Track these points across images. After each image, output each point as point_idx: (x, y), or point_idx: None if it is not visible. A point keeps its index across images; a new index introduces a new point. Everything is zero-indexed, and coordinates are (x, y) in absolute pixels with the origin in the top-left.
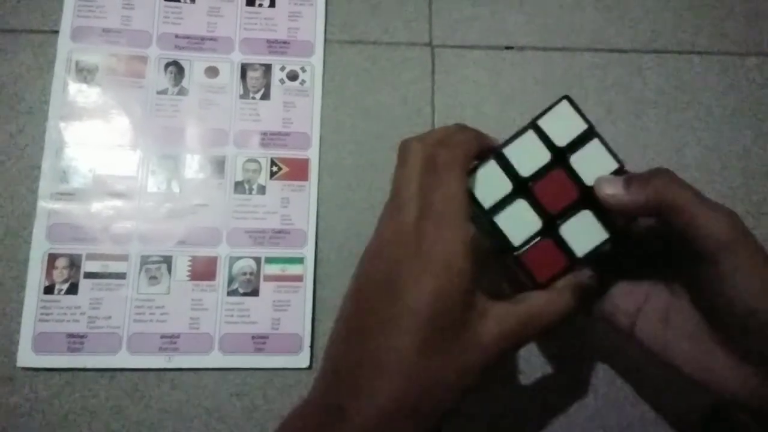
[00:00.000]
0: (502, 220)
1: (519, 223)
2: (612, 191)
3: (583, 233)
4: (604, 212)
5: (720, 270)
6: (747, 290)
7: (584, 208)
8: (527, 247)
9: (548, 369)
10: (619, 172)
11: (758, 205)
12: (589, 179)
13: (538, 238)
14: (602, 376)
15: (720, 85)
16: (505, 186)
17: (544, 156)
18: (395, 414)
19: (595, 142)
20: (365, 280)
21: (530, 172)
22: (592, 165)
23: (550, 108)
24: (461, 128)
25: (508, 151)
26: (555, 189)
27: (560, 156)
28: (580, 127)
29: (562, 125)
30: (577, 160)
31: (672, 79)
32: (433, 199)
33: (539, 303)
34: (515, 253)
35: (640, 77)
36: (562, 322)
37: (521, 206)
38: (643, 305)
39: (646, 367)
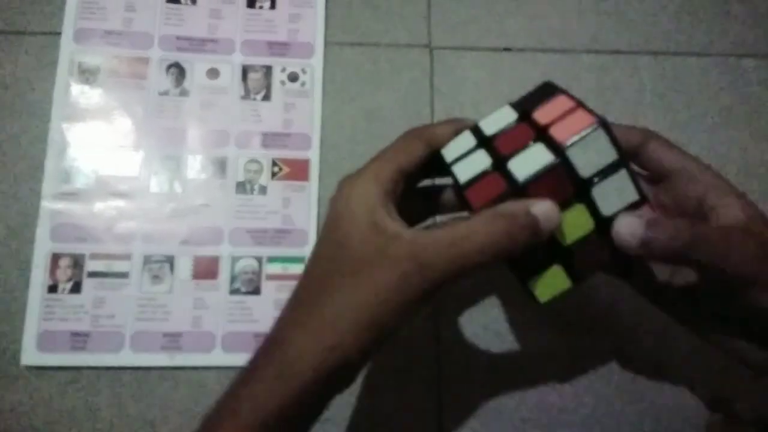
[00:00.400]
0: (460, 167)
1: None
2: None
3: (529, 161)
4: (549, 142)
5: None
6: None
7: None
8: (473, 181)
9: (546, 367)
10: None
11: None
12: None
13: (485, 172)
14: (600, 373)
15: (717, 87)
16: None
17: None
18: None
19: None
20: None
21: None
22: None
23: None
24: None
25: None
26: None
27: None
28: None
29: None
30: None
31: (669, 80)
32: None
33: (460, 227)
34: (463, 192)
35: (637, 79)
36: (488, 254)
37: (480, 154)
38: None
39: (644, 366)
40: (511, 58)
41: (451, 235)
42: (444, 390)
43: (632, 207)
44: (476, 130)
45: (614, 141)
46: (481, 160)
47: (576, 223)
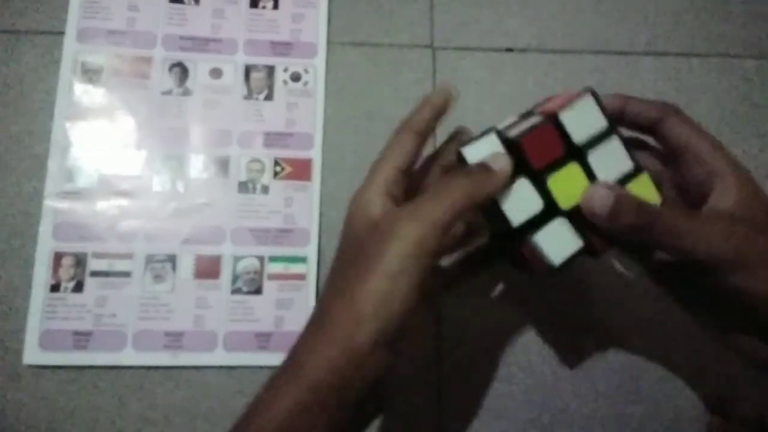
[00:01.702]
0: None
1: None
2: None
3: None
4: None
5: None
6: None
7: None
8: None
9: (546, 367)
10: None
11: None
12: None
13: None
14: (601, 372)
15: (719, 88)
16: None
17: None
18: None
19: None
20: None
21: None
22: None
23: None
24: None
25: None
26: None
27: (576, 152)
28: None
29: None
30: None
31: (671, 81)
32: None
33: (437, 185)
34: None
35: (639, 79)
36: (471, 196)
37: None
38: None
39: (645, 365)
40: (513, 59)
41: (434, 190)
42: (444, 390)
43: (629, 178)
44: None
45: (604, 110)
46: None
47: (574, 188)
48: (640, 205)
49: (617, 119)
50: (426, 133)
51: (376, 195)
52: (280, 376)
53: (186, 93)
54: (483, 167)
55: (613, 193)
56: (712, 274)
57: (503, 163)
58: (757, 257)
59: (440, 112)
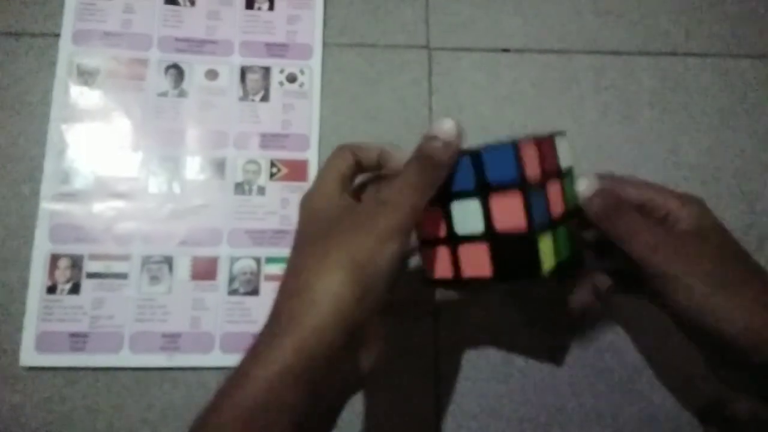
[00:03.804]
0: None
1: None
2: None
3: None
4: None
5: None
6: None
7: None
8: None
9: (545, 367)
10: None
11: (752, 205)
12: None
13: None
14: (599, 372)
15: (714, 87)
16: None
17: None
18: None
19: None
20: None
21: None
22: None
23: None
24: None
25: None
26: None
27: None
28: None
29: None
30: None
31: (667, 81)
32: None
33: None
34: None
35: (635, 79)
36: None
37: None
38: None
39: (642, 365)
40: (510, 59)
41: (404, 177)
42: (442, 390)
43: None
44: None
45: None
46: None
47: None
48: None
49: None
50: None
51: (328, 180)
52: (260, 343)
53: (182, 95)
54: (436, 142)
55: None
56: (649, 282)
57: (448, 125)
58: (681, 267)
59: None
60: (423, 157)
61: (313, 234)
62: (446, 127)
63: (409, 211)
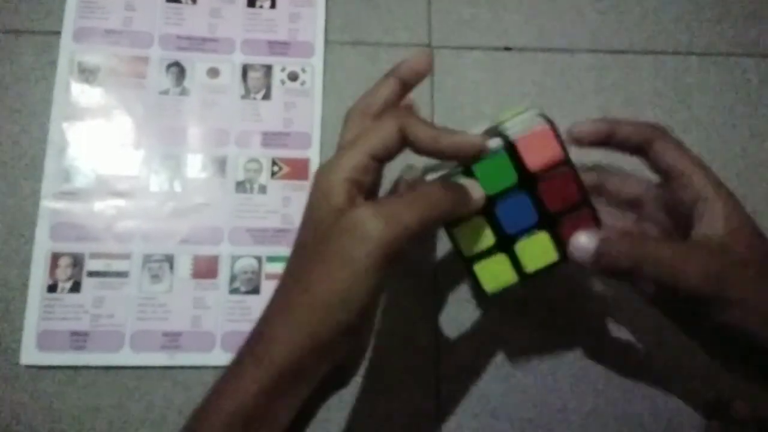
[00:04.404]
0: None
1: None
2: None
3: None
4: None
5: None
6: None
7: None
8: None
9: (546, 367)
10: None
11: (755, 204)
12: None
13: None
14: (600, 371)
15: (717, 86)
16: None
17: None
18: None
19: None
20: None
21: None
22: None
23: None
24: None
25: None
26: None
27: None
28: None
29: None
30: None
31: (669, 80)
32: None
33: (414, 191)
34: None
35: (637, 78)
36: (442, 209)
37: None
38: None
39: (643, 364)
40: (512, 58)
41: (411, 195)
42: (443, 390)
43: (577, 208)
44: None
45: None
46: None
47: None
48: (630, 243)
49: (604, 143)
50: (406, 133)
51: (339, 181)
52: (242, 362)
53: (183, 93)
54: (462, 188)
55: (596, 238)
56: (692, 305)
57: (479, 194)
58: (736, 291)
59: (410, 83)
60: (448, 200)
61: (304, 245)
62: (478, 192)
63: (400, 234)
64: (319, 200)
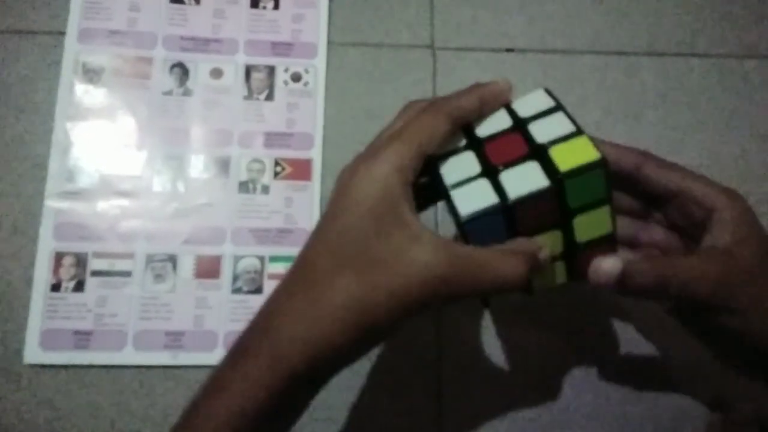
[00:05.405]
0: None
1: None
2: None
3: (523, 180)
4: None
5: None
6: None
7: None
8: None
9: (547, 366)
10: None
11: (756, 206)
12: (541, 138)
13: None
14: (601, 372)
15: (718, 88)
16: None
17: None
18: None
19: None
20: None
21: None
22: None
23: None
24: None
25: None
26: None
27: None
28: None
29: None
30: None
31: (671, 81)
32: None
33: (485, 253)
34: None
35: (639, 79)
36: (503, 286)
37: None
38: None
39: (645, 364)
40: (514, 59)
41: (482, 257)
42: (444, 390)
43: (603, 240)
44: (468, 131)
45: (608, 181)
46: (471, 166)
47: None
48: (644, 266)
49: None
50: (461, 122)
51: (394, 173)
52: (247, 354)
53: (186, 93)
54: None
55: (620, 263)
56: (703, 314)
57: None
58: (748, 300)
59: (489, 106)
60: None
61: (327, 244)
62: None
63: (460, 292)
64: (365, 196)
